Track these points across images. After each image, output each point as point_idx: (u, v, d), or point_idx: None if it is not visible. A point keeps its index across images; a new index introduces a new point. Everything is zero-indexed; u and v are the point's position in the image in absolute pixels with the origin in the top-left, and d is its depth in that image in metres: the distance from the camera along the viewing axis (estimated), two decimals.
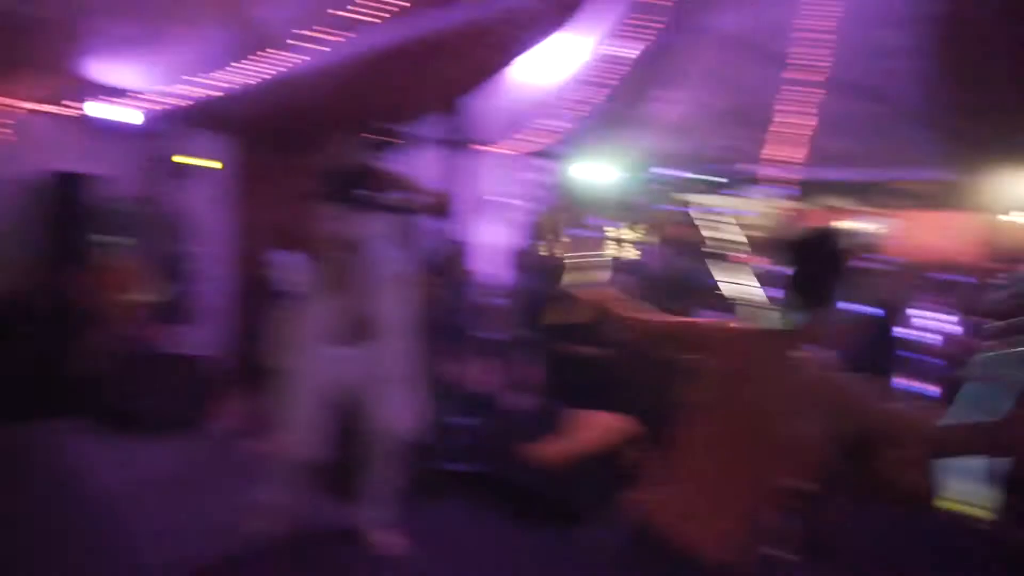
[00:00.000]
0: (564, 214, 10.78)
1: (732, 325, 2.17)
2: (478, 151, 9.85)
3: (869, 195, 15.78)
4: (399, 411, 3.55)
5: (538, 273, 8.08)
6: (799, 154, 10.32)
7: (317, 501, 3.87)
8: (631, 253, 9.91)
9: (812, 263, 2.05)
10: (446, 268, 6.81)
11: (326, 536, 3.77)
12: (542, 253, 8.92)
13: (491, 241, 9.57)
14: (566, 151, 10.15)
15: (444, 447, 4.62)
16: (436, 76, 6.30)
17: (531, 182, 10.56)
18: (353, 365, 3.43)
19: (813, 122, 9.48)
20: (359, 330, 3.35)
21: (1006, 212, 10.86)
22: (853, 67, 8.86)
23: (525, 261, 8.61)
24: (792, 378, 1.99)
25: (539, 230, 10.62)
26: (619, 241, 10.31)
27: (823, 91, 9.21)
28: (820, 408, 1.93)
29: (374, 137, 3.27)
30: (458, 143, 6.66)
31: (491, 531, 4.03)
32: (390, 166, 3.40)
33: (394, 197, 3.33)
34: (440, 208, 3.56)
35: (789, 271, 2.07)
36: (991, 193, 9.36)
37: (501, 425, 4.64)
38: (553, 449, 3.95)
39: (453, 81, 6.62)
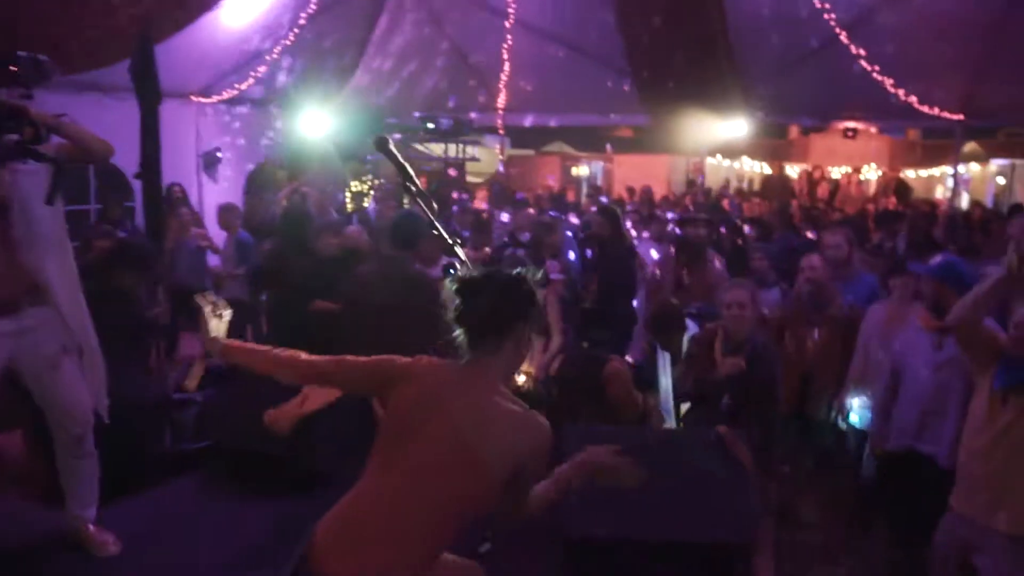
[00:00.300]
0: (285, 168, 10.24)
1: (422, 361, 2.04)
2: (181, 101, 8.91)
3: (585, 140, 17.18)
4: (77, 389, 3.04)
5: (268, 230, 7.59)
6: (514, 100, 10.76)
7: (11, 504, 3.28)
8: (360, 204, 9.71)
9: (483, 301, 1.94)
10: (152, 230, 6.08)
11: (32, 544, 3.19)
12: (269, 209, 8.38)
13: (210, 198, 8.78)
14: (279, 99, 9.51)
15: (170, 424, 4.16)
16: (107, 9, 5.46)
17: (245, 134, 9.80)
18: (11, 340, 2.86)
19: (524, 70, 9.90)
20: (16, 299, 2.78)
21: (703, 154, 12.44)
22: (559, 18, 9.35)
23: (252, 218, 8.02)
24: (474, 414, 1.90)
25: (259, 184, 9.99)
26: (348, 192, 10.05)
27: (531, 40, 9.62)
28: (501, 447, 1.87)
29: (17, 70, 2.65)
30: (152, 92, 5.86)
31: (227, 507, 3.69)
32: (42, 109, 2.78)
33: (48, 144, 2.74)
34: (91, 154, 2.97)
35: (463, 310, 1.96)
36: (688, 136, 10.54)
37: (232, 394, 4.26)
38: (286, 411, 3.69)
39: (135, 20, 5.78)
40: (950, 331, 3.13)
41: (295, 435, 3.65)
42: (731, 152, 16.40)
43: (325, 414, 3.73)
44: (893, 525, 3.89)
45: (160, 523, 3.43)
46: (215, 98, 9.14)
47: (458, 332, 1.97)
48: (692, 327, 4.38)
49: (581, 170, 17.59)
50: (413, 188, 2.30)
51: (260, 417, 3.74)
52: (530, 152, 17.84)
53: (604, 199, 11.28)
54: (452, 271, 2.26)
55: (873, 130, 16.62)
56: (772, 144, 17.69)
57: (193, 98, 9.14)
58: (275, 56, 8.54)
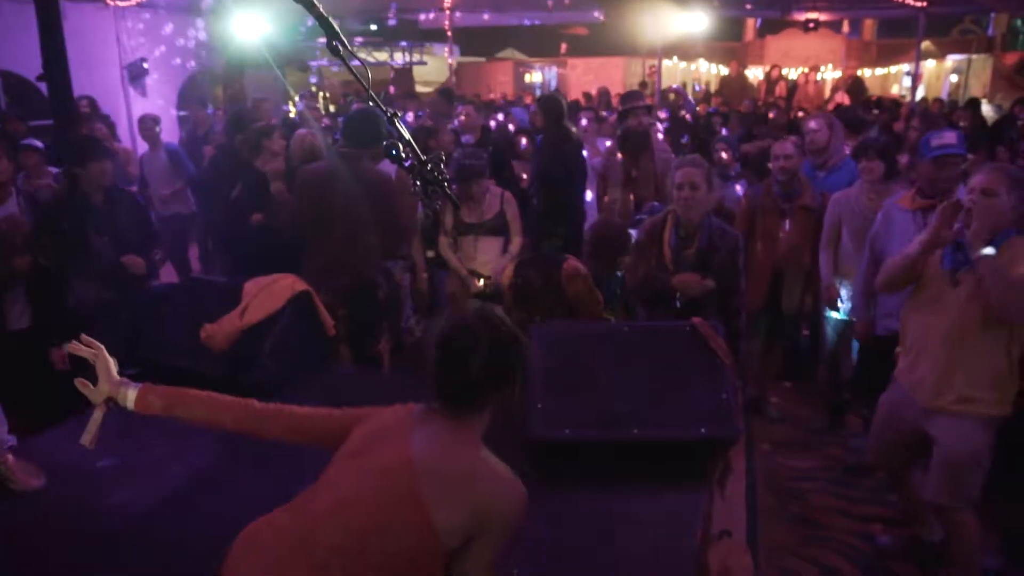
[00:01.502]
0: (219, 79, 9.56)
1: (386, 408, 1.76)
2: (98, 5, 8.14)
3: (537, 45, 16.54)
4: None
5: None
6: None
7: None
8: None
9: (458, 367, 1.65)
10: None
11: None
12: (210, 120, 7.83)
13: (139, 112, 8.12)
14: (207, 3, 8.77)
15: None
16: None
17: (172, 42, 9.08)
18: None
19: None
20: None
21: (659, 55, 12.02)
22: None
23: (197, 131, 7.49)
24: (434, 454, 1.63)
25: (193, 96, 9.34)
26: (291, 103, 9.45)
27: None
28: (457, 497, 1.60)
29: None
30: None
31: (158, 434, 3.40)
32: None
33: None
34: None
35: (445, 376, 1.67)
36: (645, 34, 10.11)
37: (163, 311, 3.92)
38: (223, 326, 3.40)
39: None
40: (933, 208, 2.97)
41: (234, 351, 3.39)
42: (687, 54, 15.99)
43: (265, 327, 3.47)
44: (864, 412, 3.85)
45: (88, 454, 3.15)
46: (134, 1, 8.37)
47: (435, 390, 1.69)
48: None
49: (534, 76, 17.00)
50: (369, 93, 1.95)
51: (195, 334, 3.45)
52: (481, 59, 17.14)
53: None
54: (394, 151, 1.96)
55: (843, 28, 16.40)
56: (728, 46, 17.32)
57: (110, 2, 8.36)
58: None
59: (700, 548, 2.33)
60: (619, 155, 5.16)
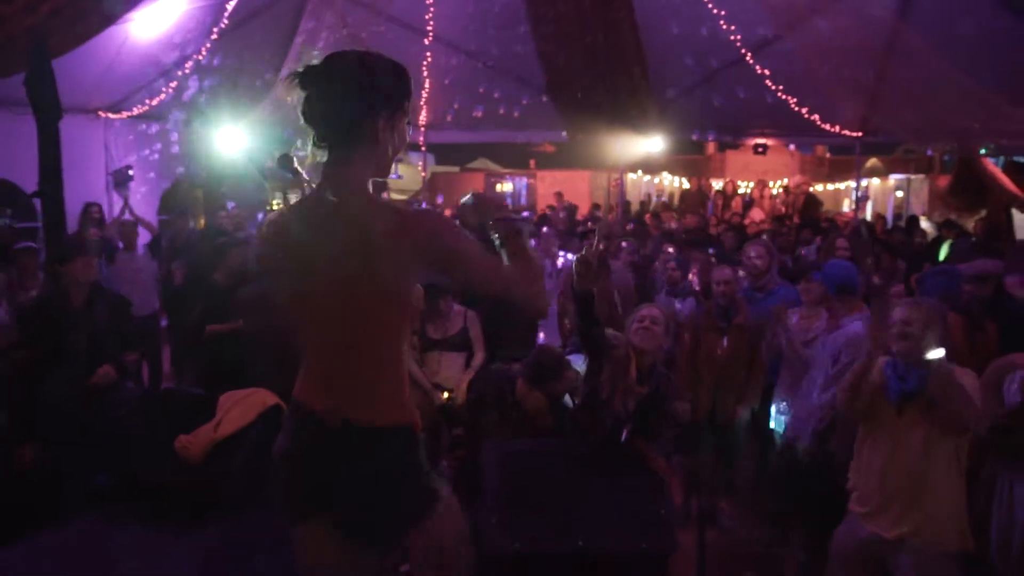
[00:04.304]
0: (202, 186, 9.96)
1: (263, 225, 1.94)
2: (88, 117, 8.57)
3: (509, 157, 17.36)
4: None
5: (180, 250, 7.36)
6: (435, 117, 10.78)
7: None
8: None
9: (329, 90, 1.70)
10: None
11: None
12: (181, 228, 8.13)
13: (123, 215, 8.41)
14: (192, 116, 9.25)
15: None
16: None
17: (157, 151, 9.48)
18: None
19: (444, 87, 9.93)
20: None
21: (623, 170, 12.73)
22: (478, 36, 9.44)
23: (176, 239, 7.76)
24: (347, 234, 1.73)
25: (176, 203, 9.67)
26: (270, 210, 9.83)
27: (450, 57, 9.67)
28: (386, 250, 1.71)
29: None
30: (49, 105, 5.61)
31: (139, 541, 3.51)
32: None
33: None
34: None
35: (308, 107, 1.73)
36: (608, 152, 10.78)
37: (140, 423, 4.09)
38: (198, 438, 3.58)
39: (30, 31, 5.54)
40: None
41: (208, 462, 3.56)
42: (651, 168, 16.89)
43: (237, 441, 3.65)
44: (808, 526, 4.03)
45: (68, 560, 3.25)
46: (124, 114, 8.82)
47: (308, 142, 1.76)
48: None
49: (505, 186, 17.75)
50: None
51: (169, 444, 3.62)
52: (455, 168, 17.90)
53: (526, 214, 11.40)
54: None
55: (792, 147, 17.46)
56: (691, 160, 18.33)
57: (101, 114, 8.80)
58: (186, 72, 8.31)
59: None
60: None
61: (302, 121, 1.75)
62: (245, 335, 4.44)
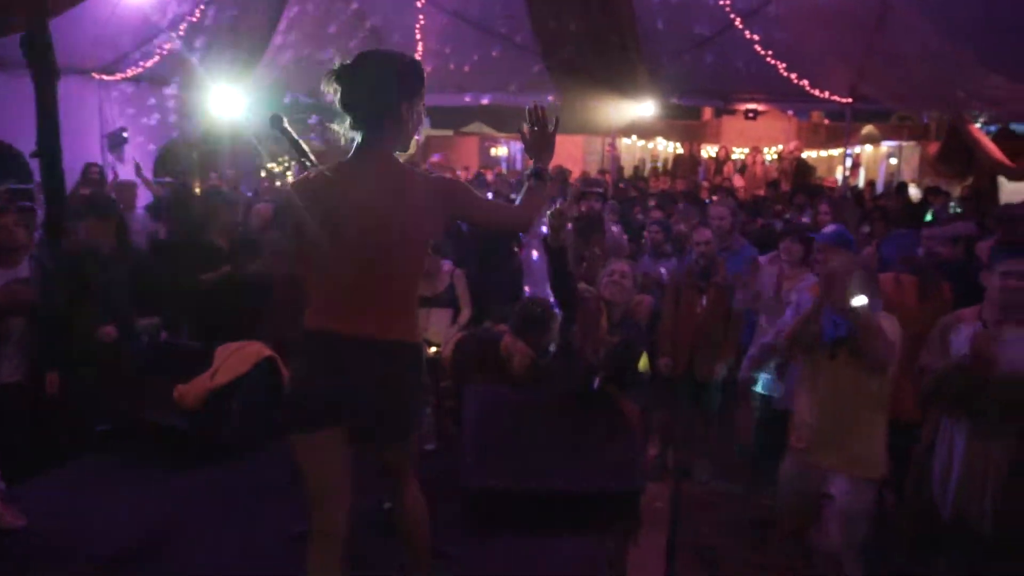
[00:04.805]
0: (197, 148, 10.02)
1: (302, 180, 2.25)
2: (83, 78, 8.62)
3: (504, 121, 17.29)
4: None
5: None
6: (428, 80, 10.78)
7: None
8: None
9: (362, 83, 2.13)
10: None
11: None
12: (179, 189, 8.23)
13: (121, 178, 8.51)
14: (187, 77, 9.28)
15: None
16: None
17: (153, 113, 9.53)
18: None
19: (437, 50, 9.95)
20: None
21: (616, 134, 12.76)
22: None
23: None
24: (381, 190, 2.16)
25: (171, 164, 9.76)
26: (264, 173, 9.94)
27: (443, 19, 9.68)
28: (413, 205, 2.15)
29: None
30: (47, 67, 5.67)
31: (138, 482, 3.69)
32: None
33: None
34: None
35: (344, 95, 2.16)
36: (600, 117, 10.83)
37: (140, 370, 4.27)
38: (195, 386, 3.77)
39: None
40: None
41: (204, 409, 3.75)
42: (646, 133, 16.88)
43: (233, 388, 3.84)
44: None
45: (69, 500, 3.45)
46: (119, 75, 8.87)
47: (348, 120, 2.16)
48: None
49: (500, 151, 17.74)
50: (309, 164, 2.42)
51: (169, 393, 3.82)
52: (449, 132, 17.86)
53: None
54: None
55: (790, 113, 17.45)
56: (686, 125, 18.26)
57: (95, 75, 8.84)
58: (180, 33, 8.34)
59: None
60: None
61: (340, 108, 2.16)
62: (249, 284, 4.58)
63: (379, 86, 2.14)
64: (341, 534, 2.20)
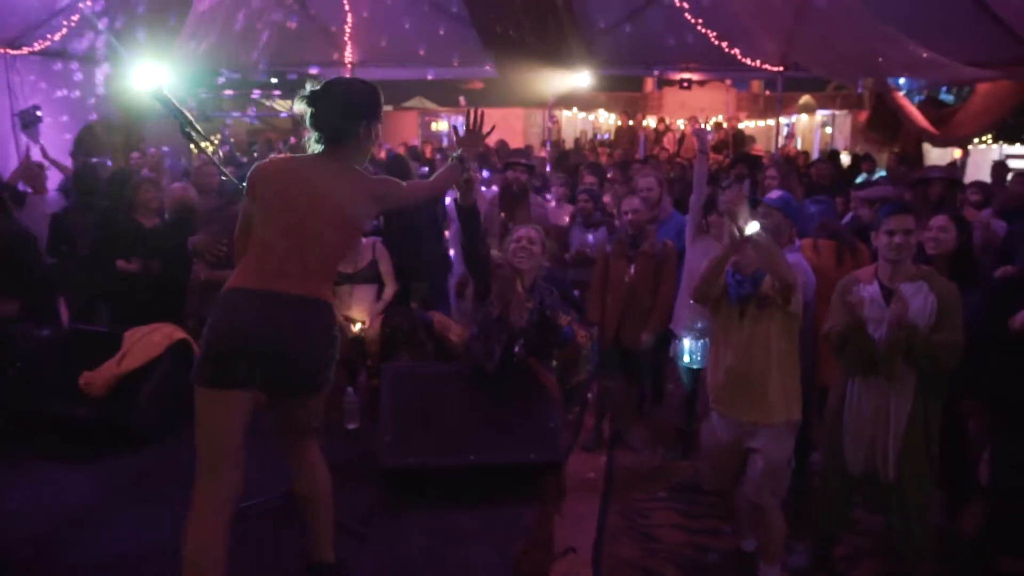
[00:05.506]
0: (118, 129, 9.59)
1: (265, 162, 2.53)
2: None
3: (444, 95, 17.07)
4: None
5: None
6: (354, 53, 10.55)
7: None
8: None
9: (328, 108, 2.45)
10: None
11: None
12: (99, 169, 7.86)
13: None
14: (104, 52, 8.85)
15: None
16: None
17: (69, 90, 9.08)
18: None
19: (368, 23, 9.70)
20: None
21: (553, 106, 12.70)
22: None
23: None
24: (327, 177, 2.50)
25: (90, 146, 9.32)
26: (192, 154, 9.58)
27: None
28: (351, 193, 2.52)
29: None
30: None
31: (45, 473, 3.53)
32: None
33: None
34: None
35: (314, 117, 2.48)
36: (536, 89, 10.73)
37: (45, 358, 4.06)
38: (102, 372, 3.60)
39: None
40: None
41: (111, 396, 3.59)
42: (587, 105, 16.87)
43: (144, 374, 3.68)
44: None
45: None
46: (26, 49, 8.39)
47: (312, 135, 2.48)
48: None
49: (440, 125, 17.52)
50: (193, 134, 2.34)
51: (74, 380, 3.64)
52: (388, 108, 17.57)
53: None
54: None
55: (728, 83, 17.62)
56: (628, 97, 18.32)
57: (1, 50, 8.36)
58: (88, 3, 7.91)
59: (518, 559, 2.71)
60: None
61: (309, 126, 2.49)
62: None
63: (343, 111, 2.48)
64: (234, 494, 2.31)
